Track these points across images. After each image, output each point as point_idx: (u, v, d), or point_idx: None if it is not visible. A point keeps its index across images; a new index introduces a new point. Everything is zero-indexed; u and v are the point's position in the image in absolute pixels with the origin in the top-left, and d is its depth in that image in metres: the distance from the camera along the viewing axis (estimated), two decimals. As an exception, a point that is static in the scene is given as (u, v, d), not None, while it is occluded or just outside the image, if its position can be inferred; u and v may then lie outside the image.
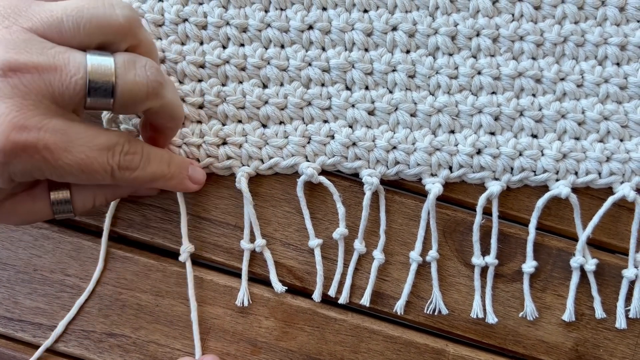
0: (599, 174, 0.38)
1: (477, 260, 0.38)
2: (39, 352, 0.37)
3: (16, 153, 0.26)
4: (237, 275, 0.38)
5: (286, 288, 0.37)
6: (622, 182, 0.38)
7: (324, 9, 0.38)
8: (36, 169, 0.27)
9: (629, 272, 0.38)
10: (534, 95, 0.38)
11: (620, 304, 0.38)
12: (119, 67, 0.28)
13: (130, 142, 0.30)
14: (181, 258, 0.37)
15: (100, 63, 0.28)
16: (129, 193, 0.35)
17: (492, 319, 0.37)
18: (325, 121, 0.38)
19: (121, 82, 0.28)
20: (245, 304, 0.37)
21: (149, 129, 0.34)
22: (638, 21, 0.38)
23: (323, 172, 0.38)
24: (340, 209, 0.37)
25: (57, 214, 0.32)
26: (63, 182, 0.32)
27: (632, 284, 0.38)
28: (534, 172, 0.38)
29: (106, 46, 0.29)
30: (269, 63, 0.37)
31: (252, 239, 0.38)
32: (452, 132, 0.38)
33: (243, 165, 0.37)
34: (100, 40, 0.29)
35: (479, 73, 0.38)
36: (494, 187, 0.37)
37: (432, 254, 0.38)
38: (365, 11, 0.38)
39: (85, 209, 0.33)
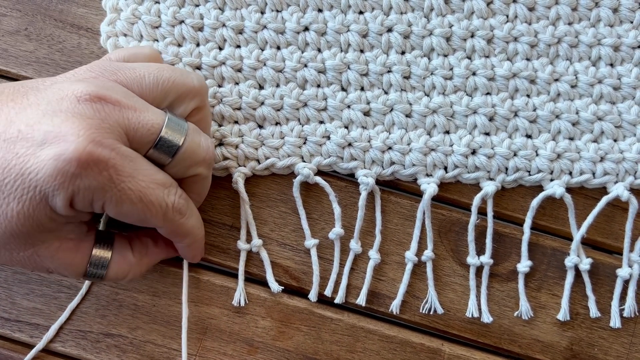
0: (593, 174, 0.38)
1: (472, 259, 0.38)
2: (30, 355, 0.37)
3: (89, 165, 0.27)
4: (234, 275, 0.38)
5: (282, 288, 0.37)
6: (616, 182, 0.38)
7: (320, 10, 0.38)
8: (100, 190, 0.27)
9: (623, 272, 0.38)
10: (528, 95, 0.38)
11: (615, 303, 0.38)
12: (191, 130, 0.31)
13: (180, 189, 0.32)
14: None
15: (176, 122, 0.31)
16: (149, 266, 0.35)
17: (487, 318, 0.38)
18: (321, 122, 0.38)
19: (189, 141, 0.31)
20: (242, 304, 0.37)
21: None
22: (631, 22, 0.39)
23: (319, 173, 0.38)
24: (336, 209, 0.37)
25: (90, 269, 0.32)
26: (108, 242, 0.32)
27: (626, 283, 0.38)
28: (529, 172, 0.38)
29: (177, 105, 0.32)
30: (265, 64, 0.38)
31: (249, 240, 0.38)
32: (447, 132, 0.38)
33: (239, 165, 0.38)
34: (173, 97, 0.32)
35: (474, 74, 0.38)
36: (489, 187, 0.38)
37: (428, 253, 0.38)
38: (361, 13, 0.38)
39: (116, 276, 0.33)
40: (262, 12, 0.38)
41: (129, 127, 0.28)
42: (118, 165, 0.27)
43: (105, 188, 0.27)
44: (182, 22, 0.38)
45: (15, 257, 0.29)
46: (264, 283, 0.38)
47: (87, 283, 0.37)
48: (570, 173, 0.38)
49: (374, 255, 0.38)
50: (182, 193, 0.31)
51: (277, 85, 0.38)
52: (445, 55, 0.38)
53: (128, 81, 0.30)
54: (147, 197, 0.29)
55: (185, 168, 0.31)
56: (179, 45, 0.38)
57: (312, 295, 0.38)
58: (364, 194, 0.37)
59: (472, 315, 0.38)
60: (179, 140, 0.30)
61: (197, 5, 0.38)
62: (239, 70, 0.38)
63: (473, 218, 0.38)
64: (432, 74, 0.38)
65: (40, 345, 0.37)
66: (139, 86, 0.30)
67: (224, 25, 0.38)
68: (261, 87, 0.38)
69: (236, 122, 0.38)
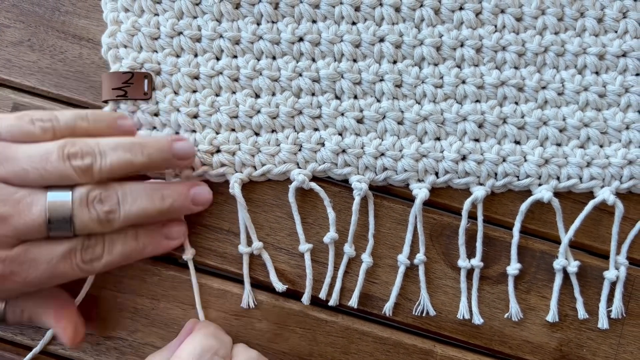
0: (580, 178, 0.39)
1: (463, 262, 0.39)
2: (28, 358, 0.38)
3: None
4: (230, 279, 0.39)
5: (287, 286, 0.38)
6: (602, 187, 0.39)
7: (314, 21, 0.39)
8: (12, 290, 0.32)
9: (610, 274, 0.39)
10: (516, 103, 0.39)
11: (602, 304, 0.39)
12: (75, 203, 0.31)
13: (90, 238, 0.33)
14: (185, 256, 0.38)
15: (58, 200, 0.31)
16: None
17: (478, 320, 0.39)
18: (316, 129, 0.39)
19: (77, 218, 0.32)
20: (252, 306, 0.38)
21: None
22: (615, 32, 0.40)
23: (314, 179, 0.39)
24: (331, 214, 0.38)
25: None
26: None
27: (613, 285, 0.39)
28: (517, 177, 0.39)
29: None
30: (261, 74, 0.39)
31: (248, 243, 0.39)
32: (438, 139, 0.39)
33: (236, 172, 0.39)
34: (62, 183, 0.32)
35: (463, 82, 0.39)
36: (479, 192, 0.39)
37: (420, 257, 0.39)
38: (354, 23, 0.39)
39: (15, 320, 0.35)
40: (258, 24, 0.39)
41: (18, 233, 0.30)
42: (14, 270, 0.31)
43: (16, 288, 0.31)
44: (180, 33, 0.39)
45: None
46: (260, 286, 0.39)
47: (86, 287, 0.38)
48: (558, 178, 0.39)
49: (367, 258, 0.39)
50: (88, 242, 0.32)
51: (273, 94, 0.39)
52: (436, 64, 0.39)
53: (9, 177, 0.31)
54: (56, 272, 0.32)
55: (98, 227, 0.32)
56: (178, 56, 0.39)
57: (306, 298, 0.38)
58: (357, 199, 0.38)
59: (463, 317, 0.39)
60: (67, 215, 0.31)
61: (195, 17, 0.39)
62: (236, 80, 0.39)
63: (464, 222, 0.39)
64: (423, 82, 0.39)
65: (37, 349, 0.38)
66: (23, 181, 0.31)
67: (221, 36, 0.39)
68: (257, 96, 0.39)
69: (233, 130, 0.39)
